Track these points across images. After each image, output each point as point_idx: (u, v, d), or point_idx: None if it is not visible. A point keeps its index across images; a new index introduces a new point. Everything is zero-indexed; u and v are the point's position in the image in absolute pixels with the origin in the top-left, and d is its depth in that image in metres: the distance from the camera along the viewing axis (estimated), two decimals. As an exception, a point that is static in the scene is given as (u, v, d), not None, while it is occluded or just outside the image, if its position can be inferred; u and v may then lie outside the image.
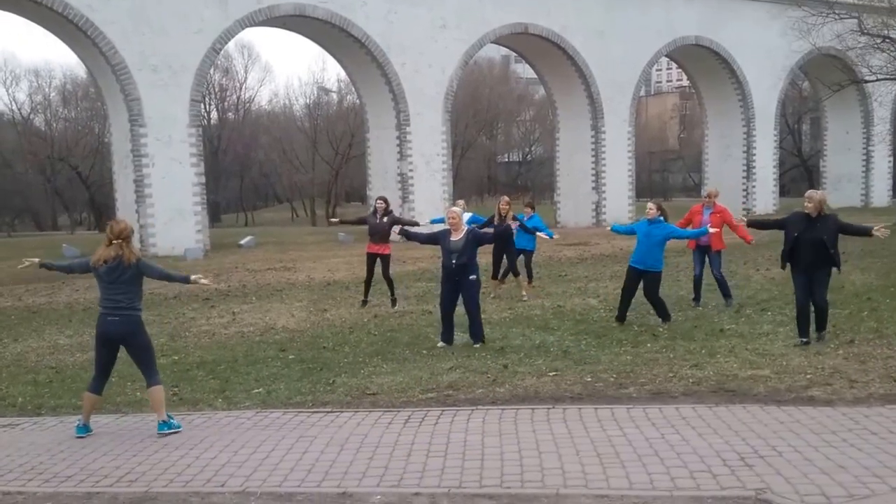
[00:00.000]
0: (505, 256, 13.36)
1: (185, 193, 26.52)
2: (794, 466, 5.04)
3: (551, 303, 12.89)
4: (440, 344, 9.71)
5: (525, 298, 13.17)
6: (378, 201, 13.23)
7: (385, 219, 12.82)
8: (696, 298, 11.96)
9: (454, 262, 9.57)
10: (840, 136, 44.72)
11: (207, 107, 61.31)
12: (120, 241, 6.37)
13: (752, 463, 5.14)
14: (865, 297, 12.00)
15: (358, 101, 36.69)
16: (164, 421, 6.40)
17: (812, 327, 9.01)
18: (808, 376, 7.54)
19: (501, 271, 13.65)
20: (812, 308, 8.98)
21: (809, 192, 9.10)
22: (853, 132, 44.11)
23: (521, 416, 6.56)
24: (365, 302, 13.20)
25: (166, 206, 26.12)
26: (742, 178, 40.44)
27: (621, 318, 10.62)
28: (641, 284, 10.43)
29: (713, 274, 11.76)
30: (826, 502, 4.50)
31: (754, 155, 40.39)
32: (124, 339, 6.43)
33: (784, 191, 59.11)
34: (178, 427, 6.46)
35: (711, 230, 10.88)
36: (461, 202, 14.30)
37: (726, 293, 11.80)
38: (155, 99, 26.01)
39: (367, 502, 4.64)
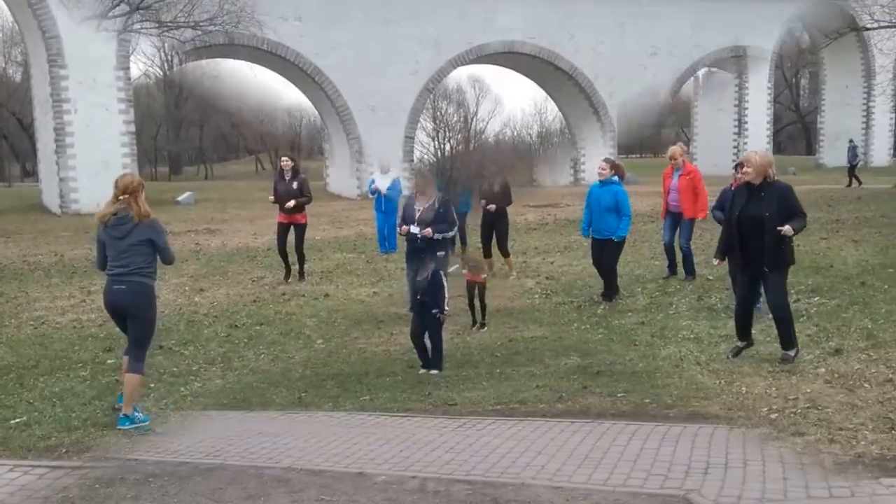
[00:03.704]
0: (494, 232, 11.20)
1: (113, 144, 24.13)
2: None
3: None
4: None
5: (513, 276, 11.23)
6: (283, 159, 11.12)
7: (295, 183, 10.70)
8: (671, 267, 10.64)
9: (419, 236, 7.73)
10: (839, 91, 42.01)
11: (167, 50, 57.14)
12: (126, 195, 5.55)
13: None
14: (858, 282, 9.76)
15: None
16: (126, 415, 5.47)
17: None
18: (773, 416, 5.38)
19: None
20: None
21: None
22: (853, 86, 41.41)
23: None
24: (288, 273, 11.03)
25: (90, 157, 23.64)
26: (733, 133, 38.01)
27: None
28: None
29: (680, 245, 10.45)
30: None
31: (746, 109, 37.86)
32: (128, 309, 5.65)
33: (780, 148, 56.61)
34: (145, 421, 5.53)
35: None
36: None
37: (689, 270, 10.44)
38: (77, 36, 23.18)
39: (375, 480, 4.50)
